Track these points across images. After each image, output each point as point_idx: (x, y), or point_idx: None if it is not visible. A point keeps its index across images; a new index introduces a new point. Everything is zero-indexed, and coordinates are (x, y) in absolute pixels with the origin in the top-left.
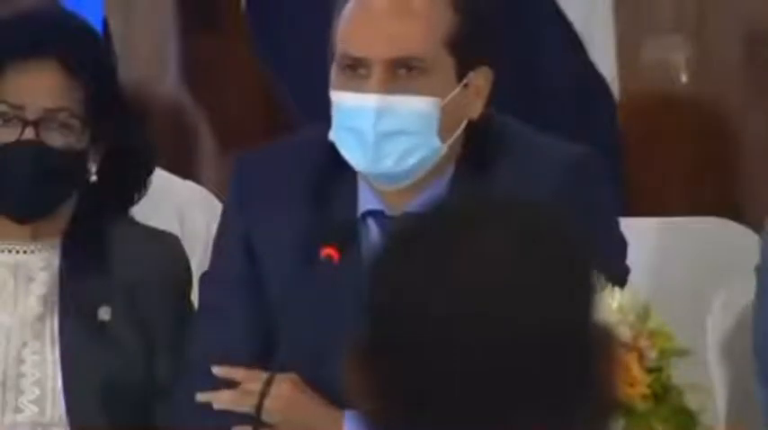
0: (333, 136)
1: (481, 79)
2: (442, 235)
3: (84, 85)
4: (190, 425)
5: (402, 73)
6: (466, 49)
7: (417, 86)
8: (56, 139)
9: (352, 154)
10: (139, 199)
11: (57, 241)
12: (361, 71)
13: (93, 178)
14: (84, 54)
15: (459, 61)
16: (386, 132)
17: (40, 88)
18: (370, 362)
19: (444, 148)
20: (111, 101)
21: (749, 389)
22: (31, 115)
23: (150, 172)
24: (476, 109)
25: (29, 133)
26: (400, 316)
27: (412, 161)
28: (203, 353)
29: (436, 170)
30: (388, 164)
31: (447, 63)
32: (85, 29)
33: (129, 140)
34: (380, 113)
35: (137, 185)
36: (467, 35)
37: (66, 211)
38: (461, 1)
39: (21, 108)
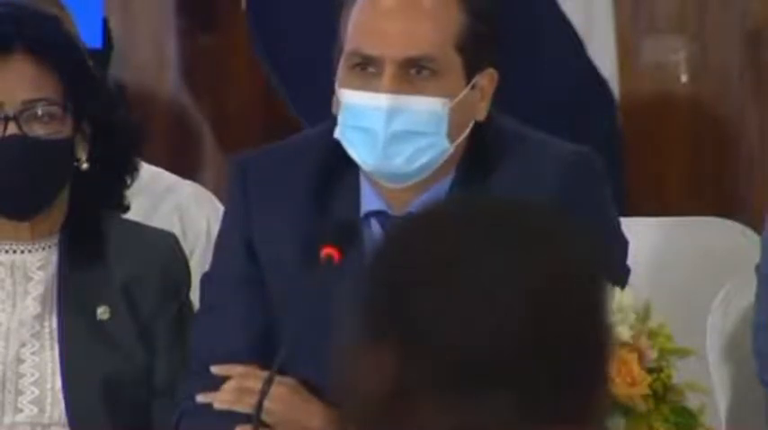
0: (339, 134)
1: (487, 80)
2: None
3: (57, 72)
4: (190, 426)
5: (413, 73)
6: (474, 50)
7: (427, 87)
8: (39, 130)
9: (361, 153)
10: (132, 182)
11: (54, 239)
12: (371, 69)
13: (85, 166)
14: (50, 40)
15: (468, 63)
16: (397, 132)
17: (15, 82)
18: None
19: (452, 149)
20: (87, 83)
21: (749, 389)
22: (10, 110)
23: (139, 151)
24: (482, 110)
25: (11, 128)
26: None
27: (422, 161)
28: (204, 353)
29: (440, 170)
30: (397, 163)
31: (456, 64)
32: (45, 16)
33: (113, 121)
34: (392, 113)
35: (128, 166)
36: (475, 36)
37: (61, 206)
38: (469, 2)
39: None
